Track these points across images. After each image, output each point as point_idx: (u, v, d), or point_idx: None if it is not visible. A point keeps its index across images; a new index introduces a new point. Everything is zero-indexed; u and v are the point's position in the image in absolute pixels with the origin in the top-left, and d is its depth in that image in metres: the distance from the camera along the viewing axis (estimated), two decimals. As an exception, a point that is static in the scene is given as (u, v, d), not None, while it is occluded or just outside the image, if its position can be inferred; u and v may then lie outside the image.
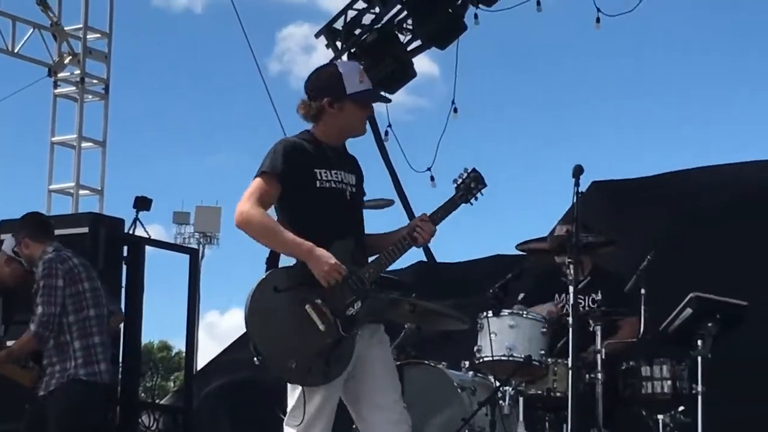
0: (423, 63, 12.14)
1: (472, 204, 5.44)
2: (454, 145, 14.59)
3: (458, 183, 5.42)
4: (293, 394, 5.18)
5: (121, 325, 9.19)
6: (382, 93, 5.52)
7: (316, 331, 5.09)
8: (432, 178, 12.12)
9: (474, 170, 5.44)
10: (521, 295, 7.65)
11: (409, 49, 11.77)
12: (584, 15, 10.94)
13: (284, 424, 5.19)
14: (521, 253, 7.67)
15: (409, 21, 11.63)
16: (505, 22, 11.55)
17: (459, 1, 11.40)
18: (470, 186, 5.41)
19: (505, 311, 7.21)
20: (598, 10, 10.92)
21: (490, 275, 8.32)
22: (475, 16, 11.39)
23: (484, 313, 7.21)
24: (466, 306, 8.13)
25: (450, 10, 11.36)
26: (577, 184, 4.99)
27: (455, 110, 12.11)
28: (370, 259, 5.32)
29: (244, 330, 5.14)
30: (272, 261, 5.32)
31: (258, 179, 5.26)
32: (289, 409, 5.17)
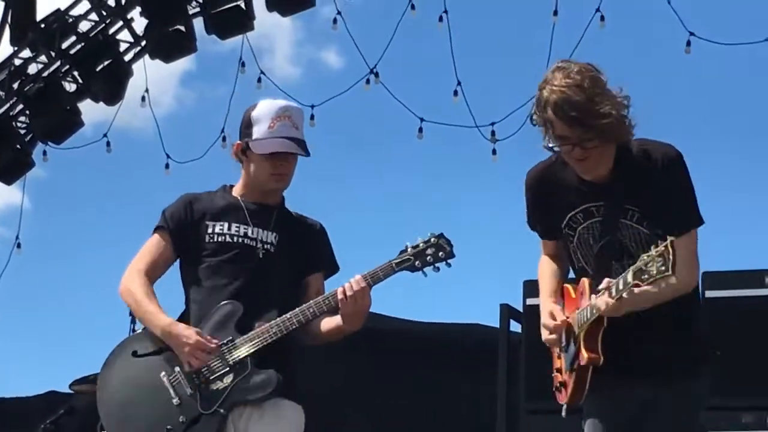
0: (14, 194, 12.22)
1: (426, 275, 4.36)
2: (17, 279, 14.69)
3: (407, 247, 4.41)
4: None
5: None
6: (290, 139, 4.53)
7: (169, 405, 4.34)
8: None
9: (441, 235, 4.40)
10: None
11: (-26, 183, 11.79)
12: (156, 161, 11.47)
13: None
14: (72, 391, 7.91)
15: (-22, 156, 11.68)
16: (77, 158, 11.82)
17: (28, 138, 11.56)
18: (423, 252, 4.39)
19: (57, 446, 7.30)
20: (165, 151, 11.50)
21: (44, 411, 8.49)
22: (44, 153, 11.64)
23: (35, 448, 7.33)
24: (18, 441, 8.26)
25: (18, 146, 11.49)
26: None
27: (18, 245, 12.25)
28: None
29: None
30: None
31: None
32: None
